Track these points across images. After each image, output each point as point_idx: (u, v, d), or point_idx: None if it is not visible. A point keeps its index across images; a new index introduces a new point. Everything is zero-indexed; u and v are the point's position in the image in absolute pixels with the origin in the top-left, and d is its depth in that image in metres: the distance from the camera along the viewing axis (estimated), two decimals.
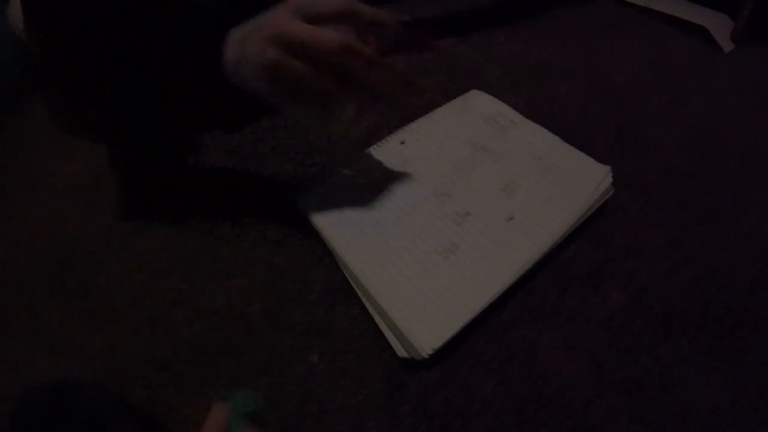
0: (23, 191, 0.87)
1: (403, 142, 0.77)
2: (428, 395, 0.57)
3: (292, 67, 0.50)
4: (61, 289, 0.71)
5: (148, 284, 0.70)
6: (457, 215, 0.67)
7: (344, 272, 0.66)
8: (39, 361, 0.65)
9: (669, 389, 0.55)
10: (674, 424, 0.53)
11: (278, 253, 0.71)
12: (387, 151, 0.76)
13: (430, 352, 0.56)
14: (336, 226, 0.68)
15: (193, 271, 0.71)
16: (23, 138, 1.00)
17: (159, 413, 0.59)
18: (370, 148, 0.77)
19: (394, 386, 0.58)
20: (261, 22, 0.51)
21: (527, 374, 0.58)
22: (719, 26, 0.99)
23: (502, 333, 0.61)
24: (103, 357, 0.64)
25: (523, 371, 0.58)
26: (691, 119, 0.79)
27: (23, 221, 0.82)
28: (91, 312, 0.68)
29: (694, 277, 0.63)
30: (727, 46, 0.95)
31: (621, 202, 0.70)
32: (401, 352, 0.58)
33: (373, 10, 0.54)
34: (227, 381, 0.61)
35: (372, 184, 0.72)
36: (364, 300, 0.64)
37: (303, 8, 0.51)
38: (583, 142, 0.74)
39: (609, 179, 0.68)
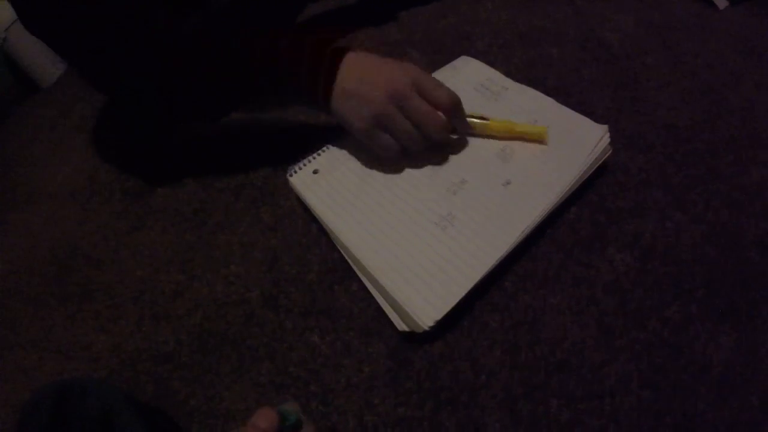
0: (21, 200, 0.88)
1: None
2: (433, 369, 0.56)
3: (400, 122, 0.62)
4: (64, 293, 0.72)
5: (148, 279, 0.70)
6: (453, 184, 0.65)
7: (341, 250, 0.65)
8: (47, 366, 0.65)
9: (679, 352, 0.54)
10: (686, 388, 0.52)
11: (273, 236, 0.70)
12: None
13: (431, 324, 0.55)
14: (329, 204, 0.66)
15: (191, 262, 0.71)
16: (15, 147, 1.01)
17: (167, 407, 0.59)
18: None
19: (398, 362, 0.57)
20: (384, 76, 0.62)
21: (534, 342, 0.56)
22: None
23: (505, 302, 0.59)
24: (108, 355, 0.64)
25: (529, 340, 0.57)
26: (689, 77, 0.77)
27: (23, 229, 0.83)
28: (95, 312, 0.69)
29: (701, 236, 0.61)
30: (722, 3, 0.93)
31: (621, 162, 0.69)
32: (401, 326, 0.57)
33: (463, 113, 0.67)
34: (230, 369, 0.61)
35: (364, 160, 0.70)
36: (362, 277, 0.62)
37: (420, 84, 0.62)
38: (579, 105, 0.72)
39: (607, 138, 0.66)
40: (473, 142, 0.70)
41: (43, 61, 1.14)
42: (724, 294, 0.57)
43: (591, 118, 0.69)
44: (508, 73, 0.77)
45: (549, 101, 0.72)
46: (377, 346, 0.59)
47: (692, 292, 0.58)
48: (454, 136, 0.69)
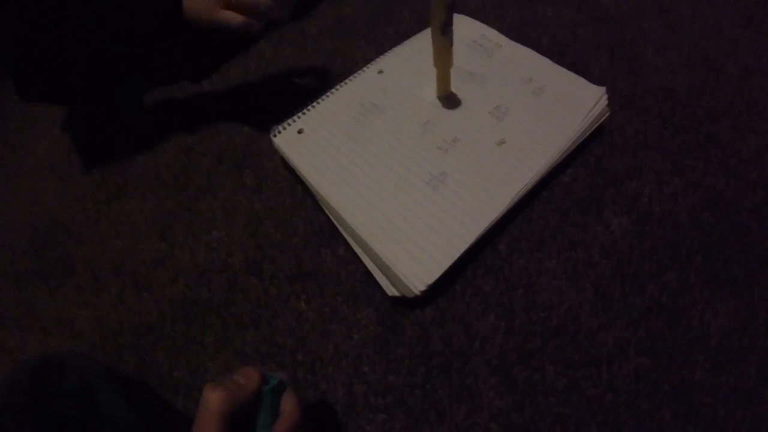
0: (0, 177, 0.86)
1: (381, 72, 0.72)
2: (425, 335, 0.54)
3: None
4: (45, 269, 0.70)
5: (129, 249, 0.68)
6: (444, 142, 0.63)
7: (327, 212, 0.63)
8: (31, 345, 0.64)
9: (677, 319, 0.53)
10: (683, 355, 0.50)
11: (257, 199, 0.68)
12: (365, 82, 0.71)
13: (423, 288, 0.53)
14: (315, 165, 0.63)
15: (172, 229, 0.68)
16: None
17: (151, 380, 0.57)
18: (347, 80, 0.72)
19: (388, 328, 0.55)
20: None
21: (529, 307, 0.54)
22: None
23: (500, 265, 0.57)
24: (91, 330, 0.63)
25: (524, 304, 0.55)
26: (686, 41, 0.75)
27: (3, 206, 0.81)
28: (76, 287, 0.67)
29: (699, 201, 0.60)
30: None
31: (618, 124, 0.67)
32: (391, 291, 0.55)
33: None
34: (214, 339, 0.59)
35: (351, 118, 0.67)
36: (349, 239, 0.60)
37: None
38: (573, 65, 0.70)
39: (604, 100, 0.64)
40: (466, 100, 0.67)
41: None
42: (722, 261, 0.56)
43: (586, 78, 0.67)
44: (500, 31, 0.75)
45: (545, 60, 0.70)
46: (366, 312, 0.57)
47: (690, 258, 0.56)
48: None
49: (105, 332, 0.62)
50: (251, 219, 0.66)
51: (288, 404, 0.42)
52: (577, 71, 0.68)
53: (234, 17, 0.61)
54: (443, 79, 0.65)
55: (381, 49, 0.76)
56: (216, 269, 0.63)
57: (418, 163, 0.61)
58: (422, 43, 0.73)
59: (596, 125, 0.64)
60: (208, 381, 0.54)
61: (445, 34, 0.57)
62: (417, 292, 0.53)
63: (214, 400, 0.37)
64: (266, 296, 0.60)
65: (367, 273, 0.58)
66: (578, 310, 0.54)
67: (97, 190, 0.76)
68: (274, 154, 0.70)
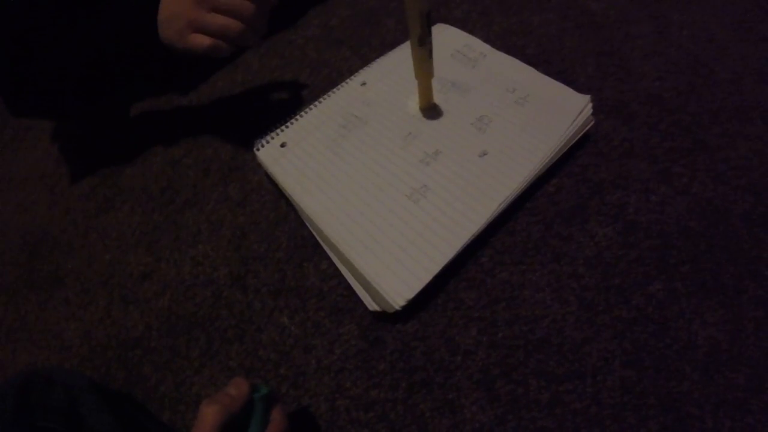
0: None
1: (364, 83, 0.72)
2: (407, 350, 0.54)
3: (210, 19, 0.62)
4: (35, 280, 0.71)
5: (117, 262, 0.69)
6: (426, 155, 0.62)
7: (309, 226, 0.62)
8: (21, 357, 0.65)
9: (664, 330, 0.52)
10: (671, 367, 0.50)
11: (241, 213, 0.68)
12: (348, 95, 0.71)
13: (403, 303, 0.52)
14: (297, 178, 0.63)
15: (158, 243, 0.69)
16: None
17: (138, 394, 0.58)
18: (330, 93, 0.72)
19: (370, 342, 0.55)
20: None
21: (512, 320, 0.54)
22: None
23: (482, 278, 0.57)
24: (79, 343, 0.64)
25: (508, 317, 0.54)
26: (675, 46, 0.75)
27: None
28: (65, 299, 0.68)
29: (686, 209, 0.59)
30: None
31: (604, 132, 0.66)
32: (372, 306, 0.54)
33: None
34: (199, 353, 0.59)
35: (334, 131, 0.67)
36: (331, 254, 0.60)
37: None
38: (560, 73, 0.69)
39: (589, 109, 0.63)
40: (449, 111, 0.67)
41: None
42: (709, 269, 0.55)
43: (572, 88, 0.66)
44: (486, 40, 0.74)
45: (529, 70, 0.69)
46: (348, 326, 0.56)
47: (677, 267, 0.55)
48: None
49: (93, 346, 0.63)
50: (235, 233, 0.66)
51: (277, 413, 0.45)
52: (563, 79, 0.68)
53: (202, 41, 0.62)
54: (425, 91, 0.65)
55: (366, 60, 0.76)
56: (201, 283, 0.64)
57: (399, 177, 0.61)
58: (405, 54, 0.72)
59: (581, 134, 0.63)
60: (193, 395, 0.57)
61: (422, 45, 0.56)
62: (397, 308, 0.52)
63: (209, 414, 0.41)
64: (250, 310, 0.60)
65: (350, 288, 0.58)
66: (562, 322, 0.53)
67: (86, 202, 0.77)
68: (259, 167, 0.70)
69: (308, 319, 0.58)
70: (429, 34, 0.56)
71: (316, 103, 0.70)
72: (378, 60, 0.75)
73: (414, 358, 0.53)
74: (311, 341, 0.56)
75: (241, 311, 0.60)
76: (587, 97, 0.64)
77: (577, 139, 0.63)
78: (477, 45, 0.73)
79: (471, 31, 0.76)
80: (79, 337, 0.64)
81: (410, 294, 0.53)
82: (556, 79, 0.68)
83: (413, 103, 0.67)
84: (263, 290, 0.61)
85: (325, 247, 0.60)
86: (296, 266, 0.62)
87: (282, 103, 0.78)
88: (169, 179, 0.74)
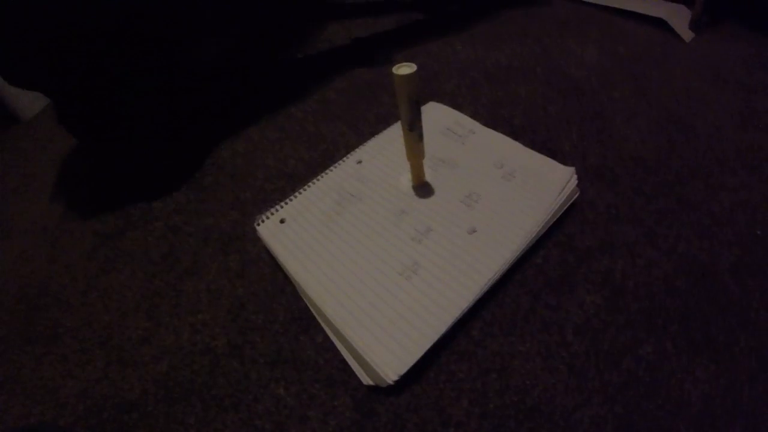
0: None
1: (360, 162, 0.75)
2: (400, 421, 0.55)
3: None
4: (32, 334, 0.71)
5: (116, 324, 0.69)
6: (417, 232, 0.65)
7: (305, 300, 0.64)
8: (15, 410, 0.64)
9: (656, 390, 0.53)
10: (664, 427, 0.50)
11: (240, 283, 0.69)
12: (344, 172, 0.74)
13: (395, 378, 0.54)
14: (295, 254, 0.66)
15: (158, 308, 0.70)
16: None
17: None
18: (328, 170, 0.75)
19: (363, 414, 0.56)
20: None
21: (503, 390, 0.55)
22: (677, 17, 0.98)
23: (473, 350, 0.58)
24: (75, 401, 0.63)
25: (498, 387, 0.55)
26: (655, 108, 0.78)
27: None
28: (62, 356, 0.68)
29: (673, 268, 0.61)
30: (687, 35, 0.94)
31: (589, 199, 0.68)
32: (366, 380, 0.56)
33: None
34: (195, 420, 0.59)
35: (330, 207, 0.70)
36: (326, 328, 0.61)
37: None
38: (545, 142, 0.72)
39: (574, 181, 0.66)
40: (439, 189, 0.69)
41: (24, 93, 1.13)
42: (699, 325, 0.56)
43: (558, 155, 0.69)
44: (475, 113, 0.77)
45: (515, 145, 0.72)
46: (343, 398, 0.57)
47: (666, 327, 0.57)
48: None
49: (89, 405, 0.62)
50: (234, 303, 0.68)
51: None
52: (549, 148, 0.70)
53: None
54: (416, 170, 0.67)
55: (362, 133, 0.79)
56: (199, 351, 0.64)
57: (391, 254, 0.63)
58: (399, 131, 0.76)
59: (567, 205, 0.65)
60: None
61: (413, 130, 0.59)
62: (390, 382, 0.54)
63: None
64: (247, 380, 0.61)
65: (344, 360, 0.59)
66: (553, 390, 0.54)
67: (88, 260, 0.77)
68: (258, 239, 0.72)
69: (304, 390, 0.59)
70: (419, 119, 0.59)
71: (315, 180, 0.73)
72: (374, 138, 0.78)
73: (407, 430, 0.54)
74: (306, 412, 0.57)
75: (237, 380, 0.61)
76: (572, 169, 0.67)
77: (563, 210, 0.65)
78: (466, 122, 0.77)
79: (461, 105, 0.79)
80: (75, 396, 0.63)
81: (402, 369, 0.54)
82: (542, 148, 0.70)
83: (406, 180, 0.70)
84: (260, 360, 0.62)
85: (320, 321, 0.62)
86: (293, 338, 0.63)
87: (282, 176, 0.80)
88: (171, 245, 0.76)
